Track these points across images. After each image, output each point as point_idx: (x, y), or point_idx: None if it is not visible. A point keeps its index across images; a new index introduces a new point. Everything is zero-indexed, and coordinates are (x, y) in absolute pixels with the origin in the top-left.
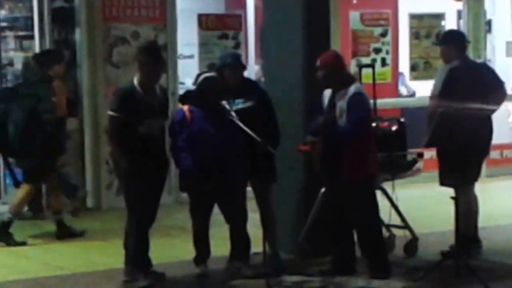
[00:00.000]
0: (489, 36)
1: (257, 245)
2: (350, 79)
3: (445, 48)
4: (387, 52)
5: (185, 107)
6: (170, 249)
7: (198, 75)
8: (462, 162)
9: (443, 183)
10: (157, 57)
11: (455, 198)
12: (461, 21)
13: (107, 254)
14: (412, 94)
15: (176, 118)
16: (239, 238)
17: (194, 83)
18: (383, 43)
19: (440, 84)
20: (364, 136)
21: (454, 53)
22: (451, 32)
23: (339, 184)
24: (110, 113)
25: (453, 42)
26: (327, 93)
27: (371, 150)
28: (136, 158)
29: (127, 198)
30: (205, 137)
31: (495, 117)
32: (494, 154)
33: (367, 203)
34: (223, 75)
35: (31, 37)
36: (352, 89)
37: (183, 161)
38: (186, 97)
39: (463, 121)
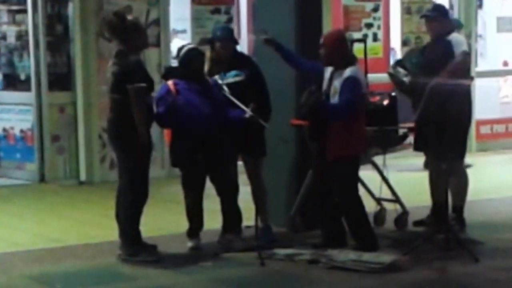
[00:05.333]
0: (480, 12)
1: (249, 219)
2: (350, 61)
3: (446, 21)
4: (378, 27)
5: (169, 82)
6: (162, 222)
7: (180, 48)
8: (452, 137)
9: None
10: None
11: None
12: None
13: (100, 227)
14: None
15: (160, 93)
16: (230, 211)
17: (177, 56)
18: (374, 18)
19: (465, 47)
20: (351, 118)
21: (449, 27)
22: (441, 5)
23: (324, 160)
24: (139, 85)
25: (448, 15)
26: (330, 68)
27: (357, 131)
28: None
29: (133, 173)
30: (191, 107)
31: (485, 93)
32: (484, 129)
33: (346, 182)
34: (215, 48)
35: (24, 11)
36: (348, 72)
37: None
38: (169, 73)
39: (454, 96)
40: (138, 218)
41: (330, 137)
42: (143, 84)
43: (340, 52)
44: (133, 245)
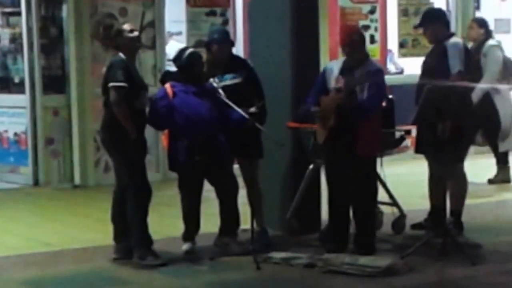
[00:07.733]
0: (477, 13)
1: (245, 222)
2: (366, 55)
3: (437, 26)
4: (375, 29)
5: (166, 84)
6: (157, 226)
7: (180, 51)
8: (453, 141)
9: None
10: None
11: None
12: None
13: (94, 231)
14: (401, 71)
15: (158, 95)
16: (230, 213)
17: (176, 59)
18: (371, 20)
19: (460, 62)
20: (378, 114)
21: (446, 31)
22: (434, 9)
23: (347, 158)
24: (116, 84)
25: (441, 19)
26: (334, 66)
27: (379, 130)
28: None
29: (129, 172)
30: (189, 109)
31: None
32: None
33: (370, 181)
34: (211, 51)
35: (18, 14)
36: (374, 65)
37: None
38: (167, 77)
39: (451, 99)
40: (144, 220)
41: (362, 134)
42: (123, 84)
43: (361, 46)
44: (141, 247)
